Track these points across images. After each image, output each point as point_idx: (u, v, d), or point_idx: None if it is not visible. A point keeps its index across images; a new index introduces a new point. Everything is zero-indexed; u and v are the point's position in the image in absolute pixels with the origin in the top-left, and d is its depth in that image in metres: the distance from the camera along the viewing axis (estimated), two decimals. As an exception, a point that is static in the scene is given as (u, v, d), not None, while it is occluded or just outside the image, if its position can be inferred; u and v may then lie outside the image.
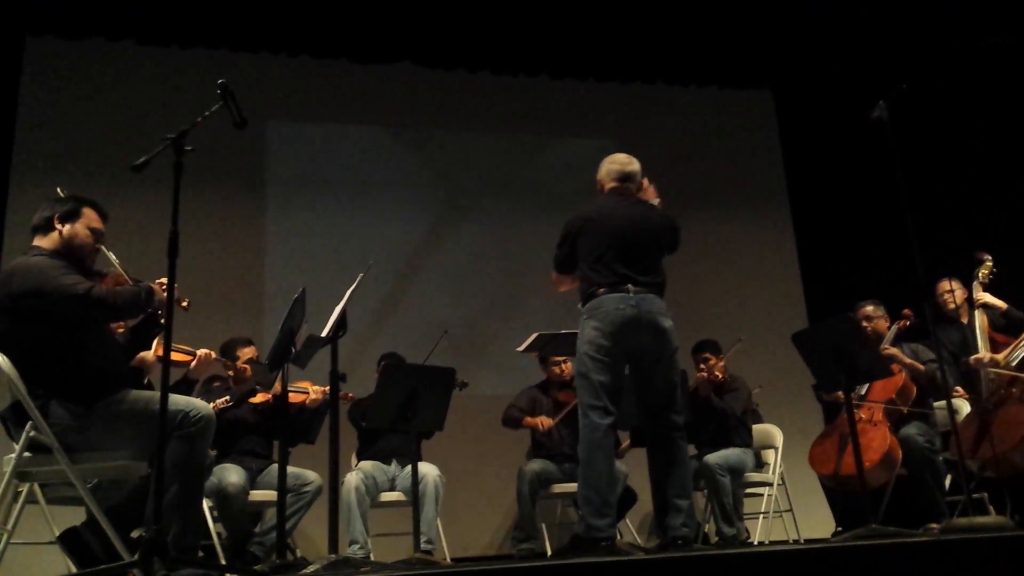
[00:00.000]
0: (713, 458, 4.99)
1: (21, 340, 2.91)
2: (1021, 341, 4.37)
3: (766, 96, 7.83)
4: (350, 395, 4.87)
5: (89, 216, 3.14)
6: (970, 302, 4.79)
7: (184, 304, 3.31)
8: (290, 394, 4.58)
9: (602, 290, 3.66)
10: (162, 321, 3.14)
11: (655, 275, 3.77)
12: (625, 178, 3.94)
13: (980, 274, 4.74)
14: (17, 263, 2.98)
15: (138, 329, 3.44)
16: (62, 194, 3.26)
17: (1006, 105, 6.49)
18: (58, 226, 3.09)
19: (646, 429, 3.73)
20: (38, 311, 2.89)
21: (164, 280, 2.97)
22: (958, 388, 4.73)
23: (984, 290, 4.73)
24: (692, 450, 5.25)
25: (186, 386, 4.49)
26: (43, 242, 3.08)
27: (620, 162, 3.99)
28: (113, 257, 3.23)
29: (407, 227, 6.88)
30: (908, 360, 4.69)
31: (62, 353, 2.92)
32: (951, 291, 4.88)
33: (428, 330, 6.62)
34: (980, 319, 4.62)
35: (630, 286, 3.64)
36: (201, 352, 4.04)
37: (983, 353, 4.43)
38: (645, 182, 4.03)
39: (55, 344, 2.92)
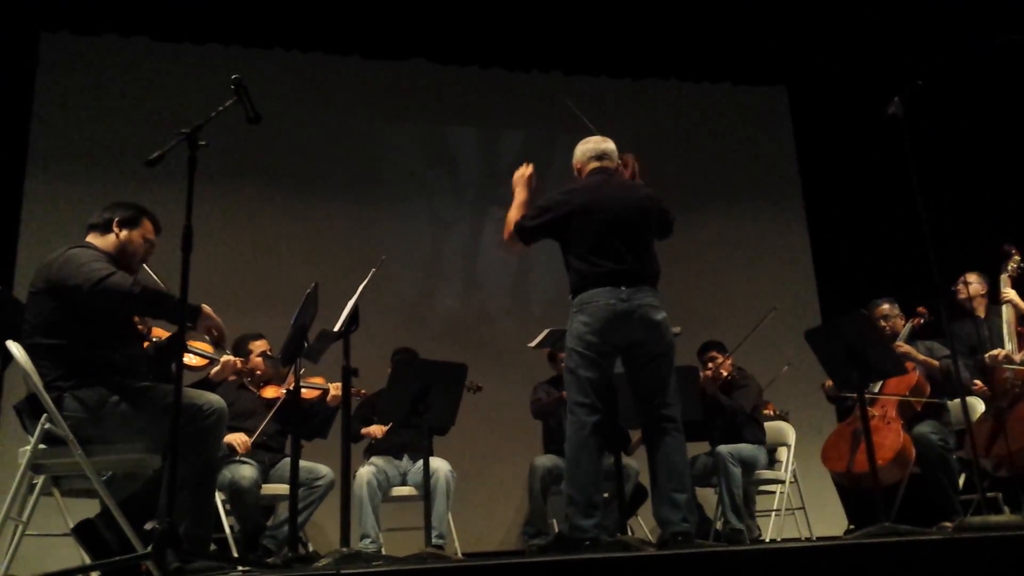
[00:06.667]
0: (725, 449, 4.98)
1: (52, 328, 2.95)
2: None
3: (780, 92, 7.80)
4: (362, 391, 4.88)
5: (147, 227, 3.23)
6: (991, 296, 4.75)
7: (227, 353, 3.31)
8: (305, 390, 4.60)
9: (592, 283, 3.53)
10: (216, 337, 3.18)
11: (647, 265, 3.64)
12: (603, 155, 3.82)
13: (1008, 267, 4.69)
14: (61, 251, 3.04)
15: (163, 348, 3.47)
16: None
17: (1022, 102, 6.44)
18: (116, 230, 3.16)
19: (641, 423, 3.65)
20: (68, 299, 2.93)
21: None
22: (977, 382, 4.69)
23: (1012, 284, 4.68)
24: (706, 446, 5.26)
25: (205, 387, 4.51)
26: (97, 240, 3.16)
27: (594, 141, 3.87)
28: (151, 273, 3.29)
29: (420, 222, 6.90)
30: (922, 357, 4.66)
31: (83, 346, 2.95)
32: (966, 284, 4.85)
33: (439, 325, 6.66)
34: (1008, 313, 4.58)
35: (622, 279, 3.53)
36: (226, 359, 4.07)
37: (998, 349, 4.41)
38: (630, 161, 3.91)
39: (79, 336, 2.94)
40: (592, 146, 3.86)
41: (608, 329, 3.49)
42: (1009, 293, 4.64)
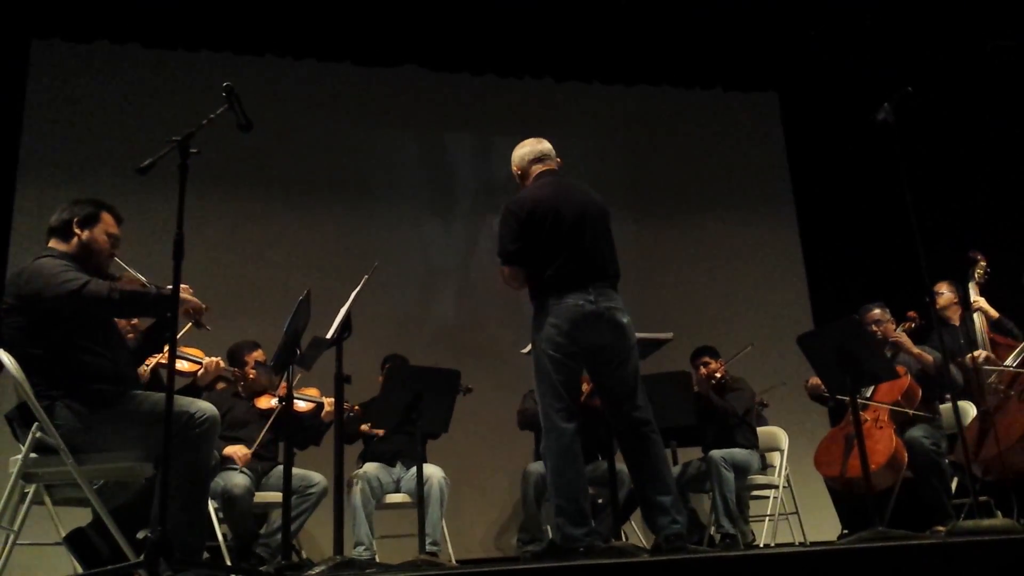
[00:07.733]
0: (718, 453, 4.98)
1: (31, 340, 2.92)
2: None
3: (771, 98, 7.83)
4: (356, 407, 4.86)
5: (107, 221, 3.14)
6: (964, 303, 4.79)
7: (208, 328, 3.28)
8: (301, 403, 4.59)
9: (559, 285, 3.50)
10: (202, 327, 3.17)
11: (610, 266, 3.62)
12: (545, 156, 3.82)
13: (976, 274, 4.73)
14: (28, 264, 3.00)
15: (150, 333, 3.43)
16: None
17: (1010, 107, 6.48)
18: (77, 231, 3.08)
19: (613, 427, 3.62)
20: (44, 312, 2.90)
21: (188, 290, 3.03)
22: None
23: (980, 291, 4.72)
24: (699, 451, 5.27)
25: (192, 392, 4.50)
26: (60, 245, 3.08)
27: (530, 144, 3.85)
28: (124, 265, 3.24)
29: (412, 229, 6.89)
30: (916, 350, 4.69)
31: (68, 354, 2.92)
32: (939, 293, 4.90)
33: (432, 332, 6.66)
34: (979, 320, 4.62)
35: (588, 280, 3.50)
36: (208, 361, 4.04)
37: (978, 351, 4.44)
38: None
39: (62, 345, 2.92)
40: (529, 149, 3.84)
41: (576, 330, 3.47)
42: (979, 300, 4.68)
